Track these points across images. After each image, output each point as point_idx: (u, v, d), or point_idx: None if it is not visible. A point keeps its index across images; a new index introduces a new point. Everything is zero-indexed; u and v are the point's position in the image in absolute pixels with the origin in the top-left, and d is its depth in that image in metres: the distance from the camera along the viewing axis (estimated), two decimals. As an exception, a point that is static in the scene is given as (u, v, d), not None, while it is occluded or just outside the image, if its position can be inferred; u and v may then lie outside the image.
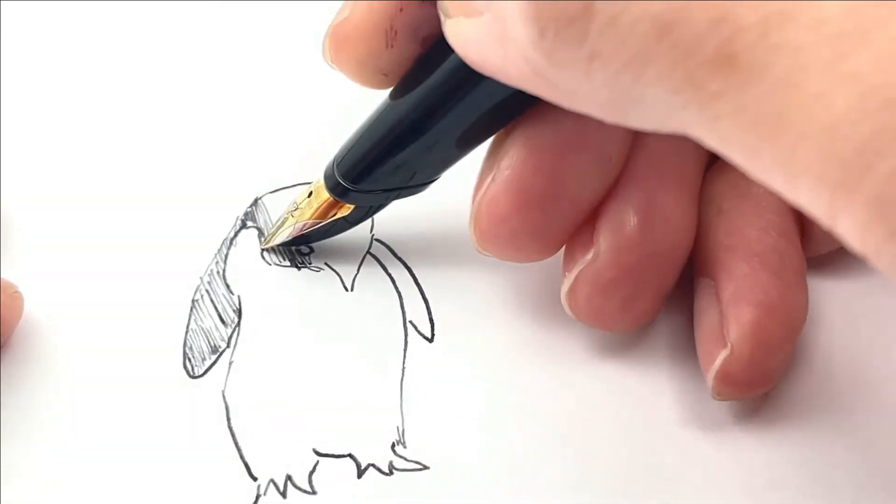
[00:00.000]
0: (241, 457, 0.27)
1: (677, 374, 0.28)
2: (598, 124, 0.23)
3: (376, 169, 0.27)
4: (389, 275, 0.30)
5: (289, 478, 0.27)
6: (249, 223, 0.31)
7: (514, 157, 0.25)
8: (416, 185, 0.27)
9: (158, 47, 0.34)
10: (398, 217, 0.30)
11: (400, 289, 0.29)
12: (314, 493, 0.26)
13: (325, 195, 0.28)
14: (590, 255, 0.26)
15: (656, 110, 0.18)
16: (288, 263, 0.30)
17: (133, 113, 0.33)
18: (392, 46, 0.25)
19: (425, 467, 0.27)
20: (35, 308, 0.29)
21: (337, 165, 0.27)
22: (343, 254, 0.30)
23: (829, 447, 0.26)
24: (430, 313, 0.29)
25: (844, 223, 0.17)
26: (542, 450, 0.27)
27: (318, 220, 0.29)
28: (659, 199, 0.26)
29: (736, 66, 0.17)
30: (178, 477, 0.27)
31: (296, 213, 0.29)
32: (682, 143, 0.26)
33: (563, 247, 0.27)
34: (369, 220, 0.30)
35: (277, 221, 0.30)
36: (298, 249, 0.30)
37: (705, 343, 0.26)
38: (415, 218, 0.30)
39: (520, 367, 0.28)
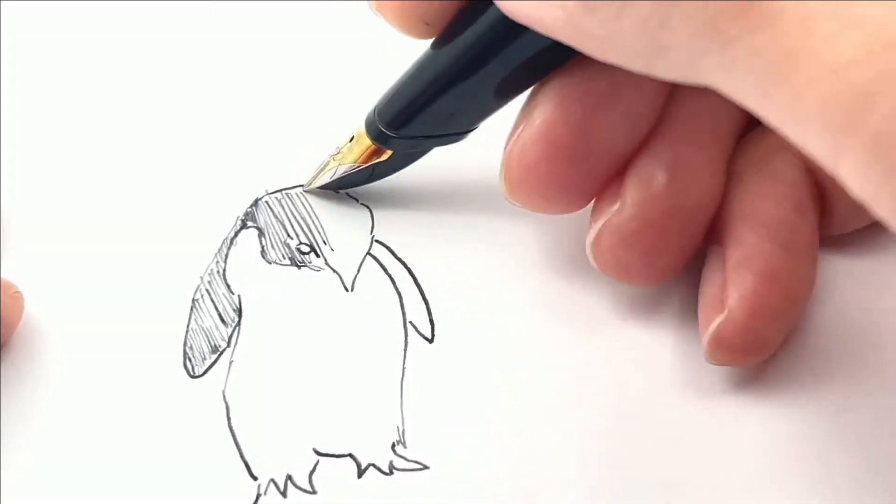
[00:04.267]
0: (242, 456, 0.27)
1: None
2: (631, 82, 0.24)
3: (416, 117, 0.27)
4: (389, 275, 0.30)
5: (289, 477, 0.27)
6: (249, 223, 0.31)
7: (546, 108, 0.26)
8: (455, 133, 0.28)
9: (158, 47, 0.34)
10: (398, 218, 0.30)
11: (400, 289, 0.29)
12: (314, 492, 0.27)
13: (367, 141, 0.29)
14: (616, 206, 0.26)
15: (680, 57, 0.19)
16: (288, 263, 0.30)
17: (133, 113, 0.33)
18: None
19: (425, 467, 0.27)
20: (35, 308, 0.29)
21: (378, 113, 0.28)
22: (343, 254, 0.30)
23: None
24: (430, 313, 0.29)
25: (846, 166, 0.17)
26: (543, 449, 0.27)
27: (359, 165, 0.29)
28: (689, 157, 0.26)
29: (752, 11, 0.18)
30: (178, 477, 0.27)
31: (337, 157, 0.30)
32: (716, 107, 0.27)
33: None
34: (370, 221, 0.30)
35: (319, 165, 0.30)
36: (299, 248, 0.30)
37: (705, 307, 0.27)
38: (415, 219, 0.30)
39: (520, 366, 0.28)
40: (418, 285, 0.29)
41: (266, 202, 0.31)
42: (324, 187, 0.31)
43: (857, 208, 0.27)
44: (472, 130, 0.28)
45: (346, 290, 0.29)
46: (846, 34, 0.17)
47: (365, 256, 0.30)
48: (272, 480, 0.27)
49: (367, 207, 0.31)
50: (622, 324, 0.28)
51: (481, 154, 0.29)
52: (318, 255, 0.30)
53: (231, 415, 0.28)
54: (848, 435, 0.26)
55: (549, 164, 0.26)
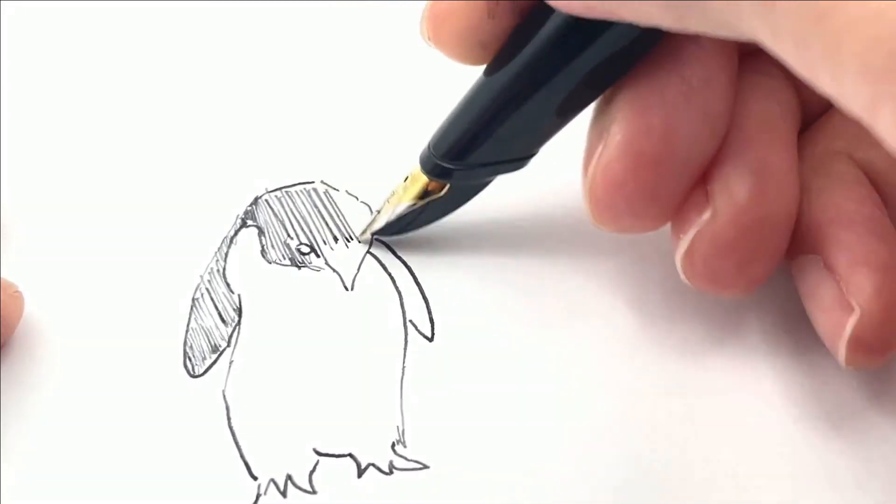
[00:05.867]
0: (242, 456, 0.27)
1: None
2: (703, 80, 0.23)
3: (474, 144, 0.27)
4: (389, 274, 0.30)
5: (289, 477, 0.27)
6: (249, 222, 0.31)
7: (623, 120, 0.25)
8: (515, 160, 0.27)
9: (159, 47, 0.34)
10: (398, 216, 0.30)
11: (400, 288, 0.29)
12: (314, 492, 0.26)
13: (423, 179, 0.28)
14: (706, 216, 0.26)
15: (715, 5, 0.19)
16: (288, 263, 0.30)
17: (133, 113, 0.33)
18: (494, 17, 0.25)
19: (425, 467, 0.27)
20: (35, 308, 0.29)
21: (433, 147, 0.27)
22: (343, 253, 0.30)
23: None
24: (430, 312, 0.29)
25: (885, 115, 0.17)
26: (543, 448, 0.26)
27: (415, 203, 0.29)
28: (772, 160, 0.26)
29: None
30: (178, 476, 0.27)
31: (392, 200, 0.29)
32: (781, 109, 0.26)
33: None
34: (370, 219, 0.30)
35: (374, 213, 0.30)
36: (299, 248, 0.30)
37: (829, 315, 0.26)
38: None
39: (519, 365, 0.28)
40: (418, 284, 0.29)
41: (266, 200, 0.31)
42: (379, 233, 0.30)
43: None
44: (532, 156, 0.27)
45: (346, 289, 0.29)
46: None
47: (365, 255, 0.30)
48: (272, 480, 0.27)
49: (367, 206, 0.31)
50: (622, 321, 0.28)
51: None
52: (318, 256, 0.30)
53: (231, 415, 0.28)
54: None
55: (636, 178, 0.25)
